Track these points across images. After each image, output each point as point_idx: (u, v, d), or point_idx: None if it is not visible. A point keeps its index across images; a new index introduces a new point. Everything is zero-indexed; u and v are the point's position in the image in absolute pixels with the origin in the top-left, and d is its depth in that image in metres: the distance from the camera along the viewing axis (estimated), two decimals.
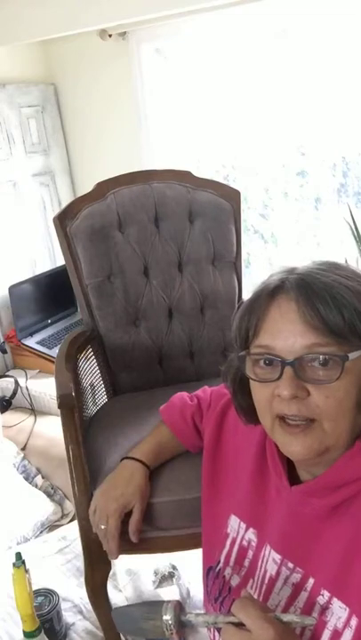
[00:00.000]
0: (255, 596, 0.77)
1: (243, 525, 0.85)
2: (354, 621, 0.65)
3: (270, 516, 0.80)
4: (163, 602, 0.73)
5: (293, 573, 0.74)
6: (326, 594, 0.69)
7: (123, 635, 1.35)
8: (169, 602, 0.73)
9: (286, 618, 0.65)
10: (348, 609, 0.66)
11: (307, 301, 0.67)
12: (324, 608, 0.68)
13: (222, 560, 0.86)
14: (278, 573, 0.75)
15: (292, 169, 2.54)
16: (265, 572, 0.78)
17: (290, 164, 2.53)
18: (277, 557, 0.76)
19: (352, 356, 0.66)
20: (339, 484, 0.71)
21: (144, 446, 1.12)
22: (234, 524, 0.87)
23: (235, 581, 0.83)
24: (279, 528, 0.78)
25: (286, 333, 0.68)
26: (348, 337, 0.66)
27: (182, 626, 0.72)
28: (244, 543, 0.84)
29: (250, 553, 0.82)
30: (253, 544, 0.82)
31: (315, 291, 0.67)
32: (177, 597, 0.78)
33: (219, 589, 0.84)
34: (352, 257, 2.19)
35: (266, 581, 0.77)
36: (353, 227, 2.18)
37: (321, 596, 0.70)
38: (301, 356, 0.67)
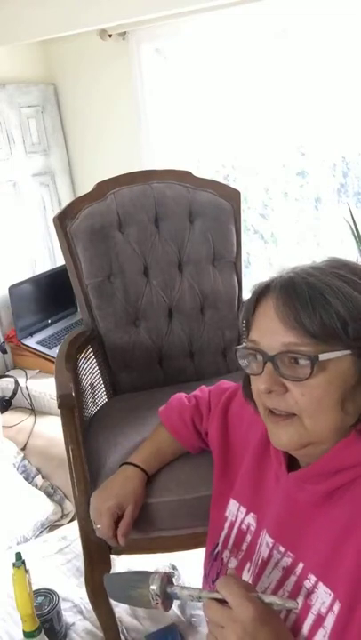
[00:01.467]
0: (251, 579, 0.79)
1: (242, 510, 0.86)
2: (337, 606, 0.66)
3: (269, 502, 0.82)
4: (151, 572, 0.75)
5: (284, 557, 0.75)
6: (313, 578, 0.70)
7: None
8: (157, 573, 0.75)
9: (268, 599, 0.66)
10: (332, 594, 0.67)
11: (285, 301, 0.70)
12: (310, 592, 0.70)
13: (220, 543, 0.88)
14: (270, 557, 0.77)
15: (292, 169, 2.54)
16: (259, 554, 0.79)
17: (290, 164, 2.53)
18: (270, 541, 0.78)
19: (323, 356, 0.68)
20: (333, 470, 0.72)
21: (143, 451, 1.13)
22: (233, 508, 0.88)
23: (232, 564, 0.84)
24: (275, 513, 0.79)
25: (268, 331, 0.72)
26: (326, 338, 0.68)
27: (168, 597, 0.74)
28: (243, 527, 0.85)
29: (248, 537, 0.84)
30: (252, 529, 0.84)
31: (296, 291, 0.69)
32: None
33: (217, 571, 0.86)
34: (352, 257, 2.18)
35: (259, 563, 0.78)
36: (353, 227, 2.18)
37: (308, 580, 0.71)
38: (278, 353, 0.70)
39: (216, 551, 0.88)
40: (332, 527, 0.70)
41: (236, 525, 0.86)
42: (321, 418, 0.70)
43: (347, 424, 0.71)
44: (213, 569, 0.87)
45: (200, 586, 0.92)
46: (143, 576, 0.75)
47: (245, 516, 0.85)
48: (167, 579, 0.75)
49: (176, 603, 1.51)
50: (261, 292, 0.74)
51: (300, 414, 0.71)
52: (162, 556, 1.61)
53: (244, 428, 0.95)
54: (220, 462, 0.97)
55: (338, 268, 0.72)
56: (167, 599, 0.74)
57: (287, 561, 0.74)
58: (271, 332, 0.71)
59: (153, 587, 0.73)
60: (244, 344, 0.77)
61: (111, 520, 1.03)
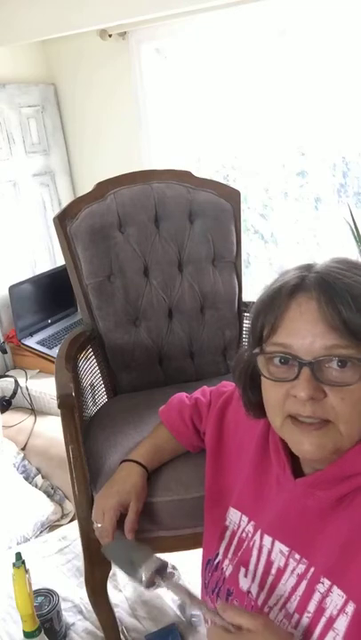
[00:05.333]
0: (255, 586, 0.78)
1: (245, 519, 0.85)
2: (350, 608, 0.66)
3: (269, 508, 0.81)
4: (151, 555, 0.80)
5: (299, 564, 0.74)
6: (327, 582, 0.70)
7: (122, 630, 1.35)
8: (156, 558, 0.79)
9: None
10: (345, 596, 0.67)
11: (328, 301, 0.66)
12: (324, 596, 0.69)
13: (221, 552, 0.86)
14: (286, 565, 0.76)
15: (292, 169, 2.54)
16: (269, 562, 0.78)
17: (290, 164, 2.53)
18: (285, 549, 0.76)
19: None
20: (344, 475, 0.71)
21: (141, 448, 1.12)
22: (234, 517, 0.87)
23: (229, 571, 0.83)
24: (283, 521, 0.78)
25: (305, 332, 0.67)
26: None
27: (153, 585, 0.79)
28: (244, 535, 0.84)
29: (245, 544, 0.83)
30: (250, 535, 0.83)
31: (336, 291, 0.66)
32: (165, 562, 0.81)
33: (216, 581, 0.85)
34: (352, 257, 2.18)
35: (272, 572, 0.77)
36: (353, 227, 2.18)
37: (321, 584, 0.70)
38: (320, 357, 0.66)
39: (217, 561, 0.86)
40: (343, 531, 0.70)
41: (238, 534, 0.85)
42: (355, 423, 0.68)
43: None
44: (213, 579, 0.85)
45: (199, 593, 0.91)
46: (142, 556, 0.80)
47: (247, 524, 0.84)
48: (161, 569, 0.78)
49: (176, 603, 1.52)
50: (290, 293, 0.69)
51: (336, 420, 0.67)
52: (162, 555, 1.61)
53: (239, 432, 0.93)
54: (212, 466, 0.96)
55: (354, 267, 0.70)
56: (152, 584, 0.78)
57: (302, 568, 0.74)
58: (309, 335, 0.67)
59: (142, 573, 0.78)
60: (261, 348, 0.72)
61: (114, 518, 1.00)
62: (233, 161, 2.68)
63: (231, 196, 1.60)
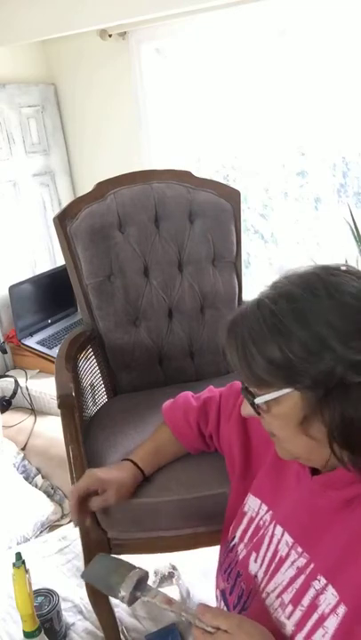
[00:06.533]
0: (261, 572, 0.82)
1: (264, 507, 0.88)
2: (341, 610, 0.68)
3: (286, 499, 0.84)
4: (129, 572, 0.80)
5: (300, 558, 0.77)
6: (323, 580, 0.72)
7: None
8: (133, 573, 0.80)
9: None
10: (338, 597, 0.69)
11: (228, 347, 0.74)
12: (319, 593, 0.71)
13: (238, 536, 0.90)
14: (288, 555, 0.79)
15: (292, 169, 2.54)
16: (276, 551, 0.81)
17: (290, 164, 2.53)
18: (290, 541, 0.80)
19: (261, 399, 0.71)
20: (352, 479, 0.72)
21: (141, 450, 1.13)
22: (253, 503, 0.90)
23: (242, 555, 0.87)
24: (295, 514, 0.81)
25: None
26: (264, 381, 0.70)
27: (135, 599, 0.80)
28: (261, 523, 0.87)
29: (261, 531, 0.86)
30: (267, 524, 0.86)
31: (235, 339, 0.72)
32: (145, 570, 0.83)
33: (230, 562, 0.89)
34: (352, 257, 2.19)
35: (276, 560, 0.80)
36: (353, 227, 2.18)
37: (317, 581, 0.72)
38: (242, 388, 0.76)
39: (233, 543, 0.90)
40: (347, 533, 0.71)
41: (256, 521, 0.88)
42: (289, 441, 0.74)
43: (324, 444, 0.70)
44: (228, 560, 0.89)
45: (198, 593, 0.94)
46: (120, 575, 0.80)
47: (266, 513, 0.87)
48: (141, 582, 0.80)
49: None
50: (227, 325, 0.78)
51: (276, 437, 0.76)
52: (162, 555, 1.61)
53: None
54: (241, 463, 0.97)
55: (308, 289, 0.68)
56: (135, 600, 0.80)
57: (302, 561, 0.76)
58: None
59: (122, 594, 0.79)
60: None
61: (76, 497, 1.05)
62: (233, 161, 2.68)
63: (231, 196, 1.60)
